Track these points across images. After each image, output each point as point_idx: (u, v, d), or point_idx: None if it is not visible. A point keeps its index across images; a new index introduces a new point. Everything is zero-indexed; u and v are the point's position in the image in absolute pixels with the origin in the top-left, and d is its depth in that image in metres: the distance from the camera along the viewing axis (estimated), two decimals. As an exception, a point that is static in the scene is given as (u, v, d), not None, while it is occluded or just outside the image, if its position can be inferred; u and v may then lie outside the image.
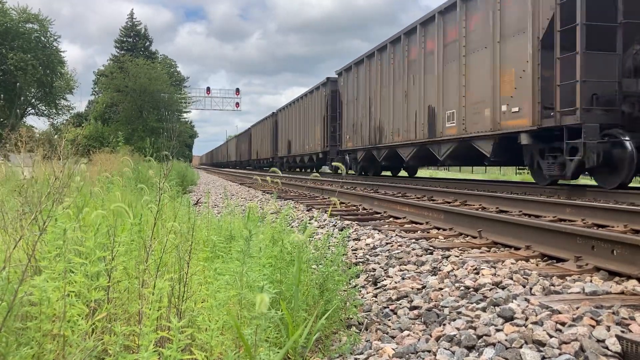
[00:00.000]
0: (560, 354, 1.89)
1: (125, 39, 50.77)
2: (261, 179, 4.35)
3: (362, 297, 3.03)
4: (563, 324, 2.12)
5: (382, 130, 15.90)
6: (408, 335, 2.36)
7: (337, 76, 20.53)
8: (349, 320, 2.65)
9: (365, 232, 4.84)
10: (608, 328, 2.05)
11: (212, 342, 1.79)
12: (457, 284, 2.87)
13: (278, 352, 1.76)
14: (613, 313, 2.17)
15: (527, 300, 2.46)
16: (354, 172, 19.25)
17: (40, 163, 4.06)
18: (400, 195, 9.53)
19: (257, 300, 1.30)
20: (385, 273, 3.40)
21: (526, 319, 2.22)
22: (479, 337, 2.13)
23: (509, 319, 2.25)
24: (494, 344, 2.04)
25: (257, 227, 3.22)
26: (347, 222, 5.69)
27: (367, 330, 2.57)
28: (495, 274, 3.02)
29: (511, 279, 2.91)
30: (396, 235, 4.59)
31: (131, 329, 1.76)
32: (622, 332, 2.02)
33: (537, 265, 3.37)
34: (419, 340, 2.27)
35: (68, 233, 1.78)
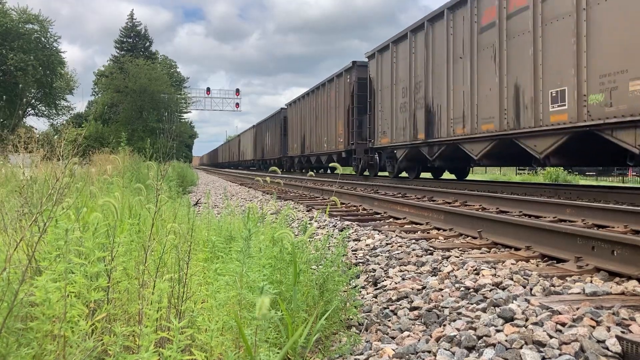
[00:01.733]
0: (560, 355, 1.89)
1: (125, 40, 50.78)
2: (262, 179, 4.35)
3: (362, 298, 3.03)
4: (563, 324, 2.12)
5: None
6: (408, 336, 2.36)
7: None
8: (349, 321, 2.65)
9: (365, 233, 4.84)
10: (608, 329, 2.05)
11: (212, 342, 1.79)
12: (457, 285, 2.87)
13: (278, 353, 1.75)
14: (613, 314, 2.17)
15: (527, 300, 2.46)
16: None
17: (39, 164, 4.06)
18: (400, 195, 9.53)
19: (258, 304, 1.30)
20: (385, 274, 3.40)
21: (526, 320, 2.22)
22: (479, 337, 2.13)
23: (509, 319, 2.25)
24: (494, 345, 2.04)
25: (257, 227, 3.22)
26: (347, 222, 5.69)
27: (367, 330, 2.56)
28: (495, 275, 3.02)
29: (511, 279, 2.91)
30: (396, 235, 4.59)
31: (131, 330, 1.76)
32: (623, 332, 2.02)
33: (537, 265, 3.37)
34: (419, 340, 2.27)
35: (69, 234, 1.78)
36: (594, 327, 2.07)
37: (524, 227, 3.97)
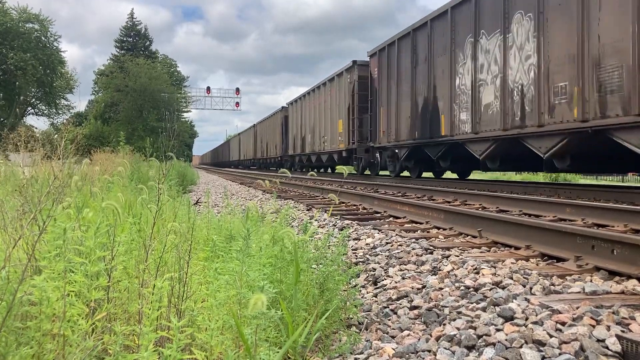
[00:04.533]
0: (560, 354, 1.89)
1: (125, 39, 50.79)
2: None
3: (362, 297, 3.03)
4: (563, 323, 2.12)
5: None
6: (408, 335, 2.36)
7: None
8: (349, 320, 2.65)
9: (366, 232, 4.84)
10: (608, 328, 2.04)
11: (212, 341, 1.79)
12: (457, 284, 2.87)
13: (278, 352, 1.76)
14: (613, 313, 2.17)
15: (527, 299, 2.46)
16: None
17: (40, 163, 4.06)
18: (400, 195, 9.53)
19: (252, 301, 1.30)
20: (385, 273, 3.40)
21: (526, 319, 2.22)
22: (479, 336, 2.13)
23: (509, 318, 2.25)
24: (494, 344, 2.04)
25: (257, 226, 3.22)
26: (347, 221, 5.69)
27: (367, 330, 2.57)
28: (495, 274, 3.02)
29: (511, 278, 2.90)
30: (396, 234, 4.59)
31: (131, 329, 1.76)
32: (622, 331, 2.02)
33: (537, 264, 3.37)
34: (419, 340, 2.27)
35: (68, 233, 1.78)
36: (593, 326, 2.07)
37: (523, 226, 3.96)
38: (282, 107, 31.17)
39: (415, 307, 2.68)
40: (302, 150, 26.04)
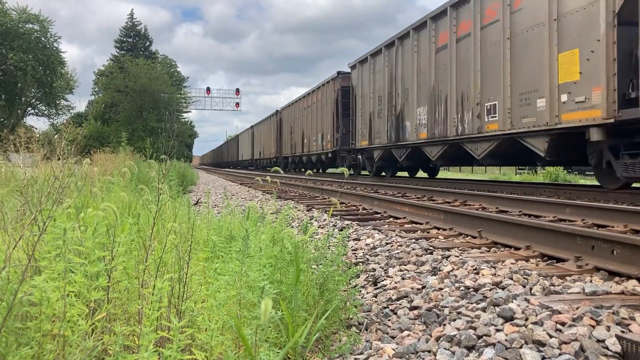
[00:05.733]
0: (560, 354, 1.90)
1: (125, 39, 50.82)
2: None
3: (362, 297, 3.03)
4: (563, 324, 2.12)
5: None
6: (408, 336, 2.36)
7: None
8: (349, 321, 2.65)
9: (365, 232, 4.84)
10: (608, 328, 2.05)
11: (212, 342, 1.79)
12: (457, 284, 2.87)
13: (278, 352, 1.76)
14: (613, 313, 2.17)
15: (527, 300, 2.46)
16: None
17: (40, 163, 4.06)
18: (400, 195, 9.53)
19: (262, 307, 1.30)
20: (385, 273, 3.40)
21: (526, 319, 2.22)
22: (479, 337, 2.13)
23: (509, 319, 2.25)
24: (494, 344, 2.04)
25: (257, 227, 3.22)
26: (347, 222, 5.69)
27: (367, 330, 2.57)
28: (495, 274, 3.02)
29: (511, 279, 2.91)
30: (396, 235, 4.59)
31: (131, 329, 1.76)
32: (622, 332, 2.02)
33: (537, 265, 3.37)
34: (419, 340, 2.27)
35: (68, 233, 1.78)
36: (593, 327, 2.07)
37: (523, 226, 3.97)
38: (338, 73, 20.57)
39: (415, 308, 2.68)
40: (396, 138, 14.52)
